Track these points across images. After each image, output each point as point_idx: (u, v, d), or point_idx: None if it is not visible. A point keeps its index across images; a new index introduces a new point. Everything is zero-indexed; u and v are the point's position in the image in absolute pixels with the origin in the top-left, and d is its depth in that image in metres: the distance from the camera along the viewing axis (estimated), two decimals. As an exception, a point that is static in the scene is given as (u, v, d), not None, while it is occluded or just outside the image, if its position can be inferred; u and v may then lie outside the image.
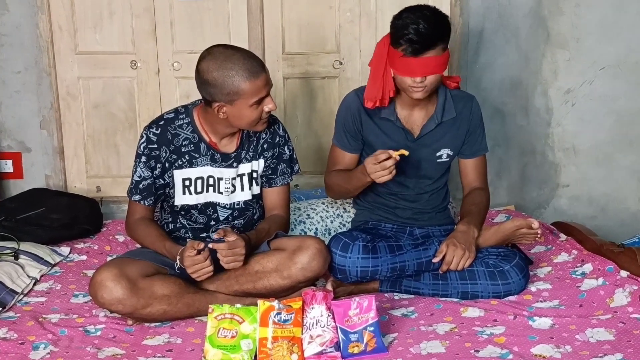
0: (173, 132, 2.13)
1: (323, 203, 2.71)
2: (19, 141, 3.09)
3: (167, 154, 2.12)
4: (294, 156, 2.31)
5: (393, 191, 2.35)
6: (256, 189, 2.23)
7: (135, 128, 3.12)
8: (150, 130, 2.13)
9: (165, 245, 2.08)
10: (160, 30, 3.04)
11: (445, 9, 2.99)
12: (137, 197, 2.15)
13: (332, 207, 2.68)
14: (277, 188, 2.27)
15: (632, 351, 1.75)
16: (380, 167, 2.05)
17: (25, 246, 2.49)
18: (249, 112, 2.02)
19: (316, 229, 2.61)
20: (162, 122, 2.14)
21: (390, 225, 2.37)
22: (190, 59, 3.02)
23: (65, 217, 2.76)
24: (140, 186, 2.14)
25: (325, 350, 1.80)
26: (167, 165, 2.13)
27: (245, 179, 2.20)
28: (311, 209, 2.67)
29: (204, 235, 2.21)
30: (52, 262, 2.48)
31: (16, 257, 2.39)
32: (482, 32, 3.05)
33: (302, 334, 1.82)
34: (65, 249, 2.62)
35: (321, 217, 2.64)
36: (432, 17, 2.09)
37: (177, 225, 2.23)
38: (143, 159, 2.12)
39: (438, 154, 2.32)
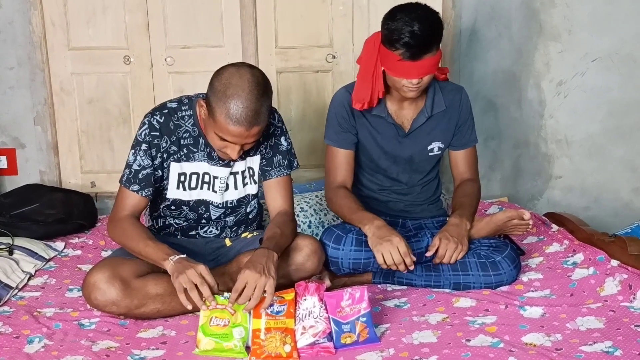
0: (176, 122, 2.04)
1: (317, 196, 2.72)
2: (13, 137, 3.10)
3: (167, 145, 2.04)
4: (292, 150, 2.19)
5: (385, 185, 2.36)
6: (251, 188, 2.17)
7: (129, 123, 3.13)
8: (154, 117, 2.03)
9: (156, 245, 1.94)
10: (153, 25, 3.04)
11: (437, 2, 3.01)
12: (135, 187, 2.02)
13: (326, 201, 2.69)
14: (273, 180, 2.15)
15: (621, 338, 1.76)
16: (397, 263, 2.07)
17: (20, 241, 2.50)
18: (212, 135, 1.95)
19: (310, 222, 2.62)
20: (165, 111, 2.05)
21: (383, 217, 2.37)
22: (184, 54, 3.05)
23: (59, 212, 2.77)
24: (140, 175, 2.02)
25: (317, 340, 1.81)
26: (165, 155, 2.04)
27: (239, 177, 2.14)
28: (304, 202, 2.68)
29: (193, 232, 2.19)
30: (47, 257, 2.49)
31: (11, 253, 2.40)
32: (474, 24, 3.06)
33: (295, 325, 1.83)
34: (59, 244, 2.63)
35: (315, 210, 2.65)
36: (426, 18, 2.04)
37: (166, 222, 2.18)
38: (144, 146, 2.01)
39: (429, 148, 2.32)
